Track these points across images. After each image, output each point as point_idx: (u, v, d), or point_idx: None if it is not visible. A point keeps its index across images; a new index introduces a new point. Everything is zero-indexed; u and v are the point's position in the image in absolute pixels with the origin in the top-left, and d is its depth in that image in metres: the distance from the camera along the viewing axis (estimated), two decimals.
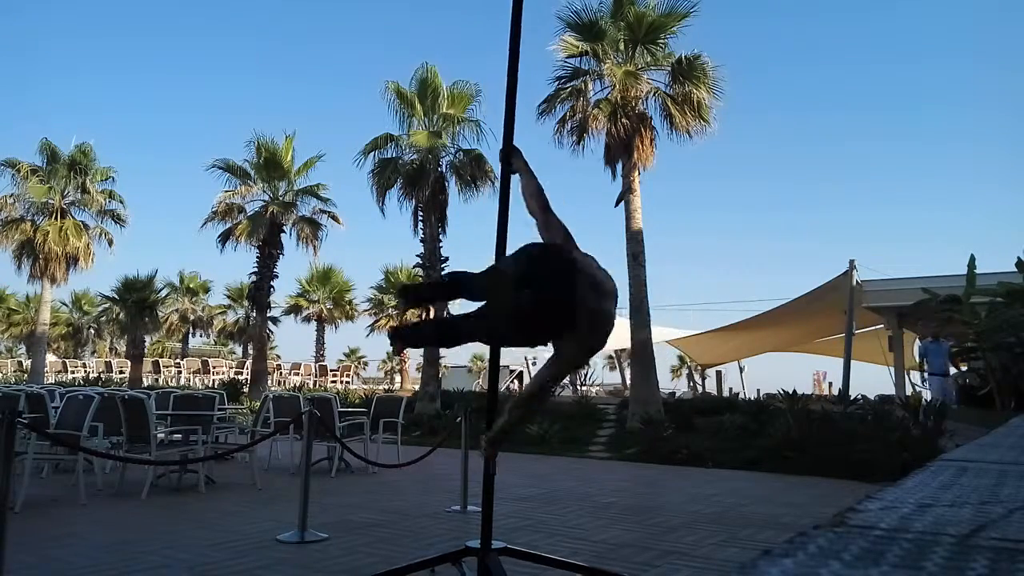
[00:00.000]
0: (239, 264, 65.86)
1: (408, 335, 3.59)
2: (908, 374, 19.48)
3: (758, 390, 23.50)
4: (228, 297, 35.43)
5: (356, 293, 32.73)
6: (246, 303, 29.99)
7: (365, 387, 29.07)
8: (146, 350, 29.88)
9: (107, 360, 29.47)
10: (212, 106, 60.25)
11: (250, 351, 25.98)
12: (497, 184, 3.83)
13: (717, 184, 61.63)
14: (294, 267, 48.98)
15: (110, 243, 24.11)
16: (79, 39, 54.89)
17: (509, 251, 3.54)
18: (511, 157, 3.71)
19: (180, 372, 27.97)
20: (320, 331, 32.29)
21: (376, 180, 17.12)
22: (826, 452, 9.05)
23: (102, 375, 25.39)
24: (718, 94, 14.37)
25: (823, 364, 32.38)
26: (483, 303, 3.13)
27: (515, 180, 3.70)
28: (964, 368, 13.54)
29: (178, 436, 7.86)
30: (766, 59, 54.54)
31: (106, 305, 29.35)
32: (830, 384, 30.55)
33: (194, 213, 62.41)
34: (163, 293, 29.15)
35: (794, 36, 56.67)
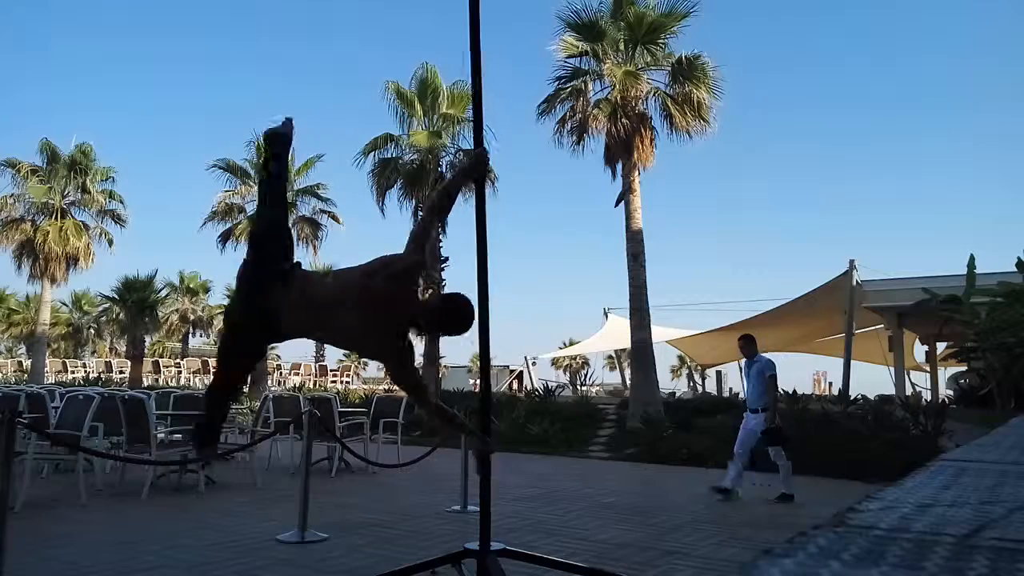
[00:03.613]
0: (239, 264, 65.76)
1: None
2: (908, 374, 19.49)
3: None
4: (228, 297, 35.39)
5: None
6: None
7: (365, 387, 29.04)
8: (146, 350, 29.88)
9: (107, 360, 29.44)
10: (212, 106, 60.32)
11: None
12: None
13: (717, 184, 61.68)
14: None
15: (110, 243, 24.14)
16: (79, 39, 54.94)
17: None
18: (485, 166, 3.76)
19: (180, 372, 27.95)
20: None
21: (376, 180, 17.12)
22: (826, 452, 9.05)
23: (102, 375, 25.36)
24: (718, 94, 14.40)
25: (823, 364, 32.39)
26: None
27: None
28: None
29: (178, 436, 7.86)
30: (766, 59, 54.57)
31: (106, 305, 29.35)
32: (830, 384, 30.57)
33: (194, 213, 62.43)
34: (163, 293, 29.13)
35: (794, 36, 56.67)
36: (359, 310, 2.98)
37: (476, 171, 3.81)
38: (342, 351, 40.64)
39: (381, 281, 3.01)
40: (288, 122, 3.40)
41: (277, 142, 3.37)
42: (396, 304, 3.03)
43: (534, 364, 29.60)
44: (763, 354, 7.59)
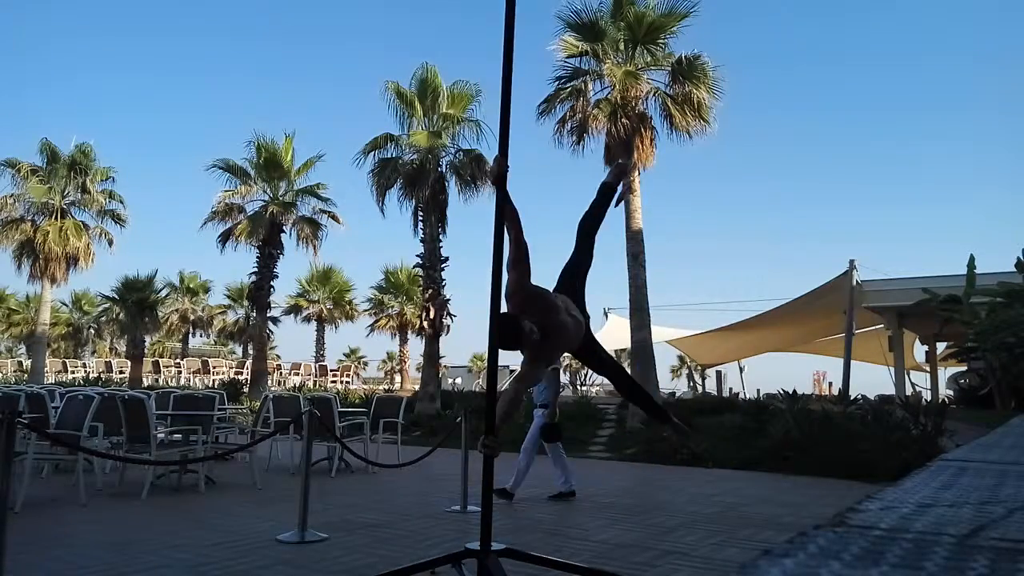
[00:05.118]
0: (239, 264, 65.94)
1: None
2: (908, 374, 19.51)
3: (758, 390, 23.52)
4: (228, 297, 35.44)
5: (356, 293, 32.74)
6: (246, 303, 30.01)
7: (365, 387, 29.06)
8: (146, 350, 29.86)
9: (107, 360, 29.44)
10: (212, 106, 60.38)
11: (250, 351, 25.98)
12: None
13: (717, 184, 61.71)
14: (294, 267, 49.10)
15: (110, 243, 24.14)
16: (79, 39, 54.95)
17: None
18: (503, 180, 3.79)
19: (180, 372, 27.95)
20: (320, 331, 32.30)
21: (376, 180, 17.12)
22: (826, 452, 9.05)
23: (102, 375, 25.37)
24: (718, 94, 14.40)
25: (823, 364, 32.44)
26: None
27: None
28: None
29: (178, 436, 7.86)
30: (767, 59, 54.56)
31: (106, 305, 29.32)
32: (830, 384, 30.60)
33: (194, 213, 62.49)
34: (163, 293, 29.13)
35: (794, 36, 56.67)
36: None
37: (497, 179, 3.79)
38: (342, 352, 40.72)
39: None
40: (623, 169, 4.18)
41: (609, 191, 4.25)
42: None
43: None
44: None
